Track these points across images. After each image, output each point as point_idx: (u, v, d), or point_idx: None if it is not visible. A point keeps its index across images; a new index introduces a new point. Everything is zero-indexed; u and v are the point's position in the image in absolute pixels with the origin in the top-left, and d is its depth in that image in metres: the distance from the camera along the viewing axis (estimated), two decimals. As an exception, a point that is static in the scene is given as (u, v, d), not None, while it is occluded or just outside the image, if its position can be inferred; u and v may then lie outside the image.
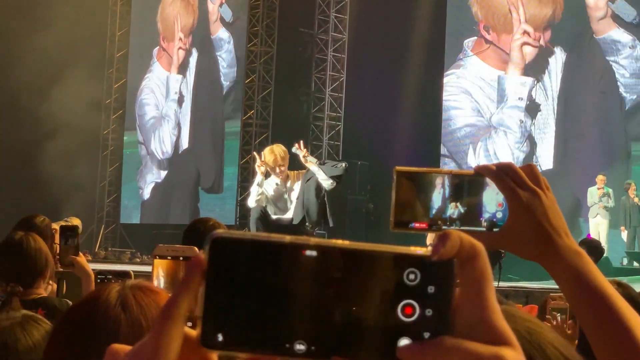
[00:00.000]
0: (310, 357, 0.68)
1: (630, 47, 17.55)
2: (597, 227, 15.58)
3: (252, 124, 19.80)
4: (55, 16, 19.70)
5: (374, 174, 18.40)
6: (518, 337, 1.09)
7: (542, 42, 18.60)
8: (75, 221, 5.58)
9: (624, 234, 15.94)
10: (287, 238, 0.69)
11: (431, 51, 19.85)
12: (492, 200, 1.35)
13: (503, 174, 1.34)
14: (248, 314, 0.69)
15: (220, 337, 0.69)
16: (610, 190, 16.13)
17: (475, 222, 1.35)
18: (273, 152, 9.40)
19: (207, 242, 0.71)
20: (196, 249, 2.63)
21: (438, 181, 1.36)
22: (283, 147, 9.56)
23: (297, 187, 9.38)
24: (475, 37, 19.33)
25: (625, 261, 15.70)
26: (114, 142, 23.55)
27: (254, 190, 9.58)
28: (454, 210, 1.35)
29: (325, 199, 9.41)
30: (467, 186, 1.36)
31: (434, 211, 1.35)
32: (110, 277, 2.56)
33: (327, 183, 9.32)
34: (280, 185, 9.41)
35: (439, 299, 0.69)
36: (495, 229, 1.35)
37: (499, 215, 1.35)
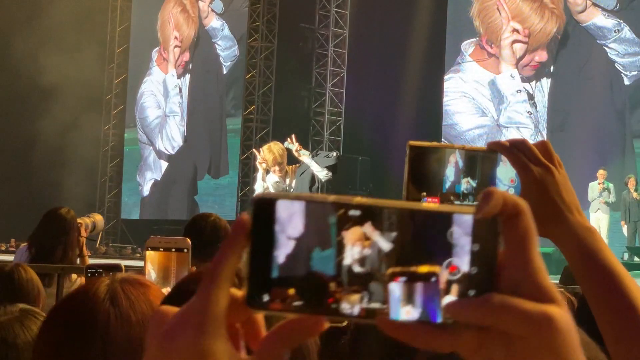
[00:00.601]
0: (355, 317, 0.69)
1: (615, 31, 17.66)
2: (598, 222, 15.57)
3: (252, 119, 19.78)
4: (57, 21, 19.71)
5: (374, 169, 18.39)
6: None
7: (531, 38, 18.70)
8: (97, 217, 5.60)
9: (625, 229, 15.95)
10: (331, 197, 0.69)
11: (431, 46, 19.83)
12: (505, 176, 1.35)
13: (516, 150, 1.33)
14: (293, 274, 0.69)
15: (265, 298, 0.69)
16: (611, 185, 16.12)
17: None
18: (271, 151, 9.42)
19: (251, 204, 0.72)
20: (188, 240, 2.63)
21: (451, 157, 1.35)
22: (281, 145, 9.57)
23: (287, 180, 9.42)
24: (475, 39, 19.35)
25: (626, 256, 15.70)
26: (115, 137, 23.55)
27: (259, 185, 9.59)
28: (467, 185, 1.35)
29: (319, 191, 9.42)
30: (480, 162, 1.35)
31: (446, 186, 1.34)
32: (101, 270, 2.55)
33: (322, 174, 9.32)
34: (280, 182, 9.41)
35: (484, 256, 0.69)
36: None
37: (512, 191, 1.34)
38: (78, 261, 5.04)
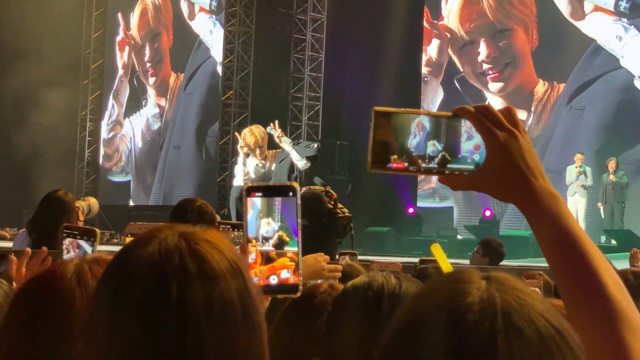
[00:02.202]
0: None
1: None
2: (575, 205, 15.68)
3: (230, 104, 19.72)
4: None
5: (353, 154, 18.40)
6: (508, 307, 1.10)
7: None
8: (92, 200, 5.55)
9: (602, 210, 16.07)
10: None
11: (410, 30, 19.83)
12: (470, 141, 1.35)
13: (481, 115, 1.34)
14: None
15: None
16: (588, 169, 16.24)
17: (452, 163, 1.36)
18: (253, 134, 9.41)
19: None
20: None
21: (416, 121, 1.35)
22: (262, 128, 9.57)
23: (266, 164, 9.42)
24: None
25: (603, 239, 15.81)
26: (92, 123, 23.42)
27: (239, 169, 9.59)
28: (433, 148, 1.35)
29: (297, 180, 9.40)
30: (445, 127, 1.36)
31: (412, 151, 1.35)
32: (77, 232, 2.53)
33: (301, 163, 9.32)
34: (260, 167, 9.41)
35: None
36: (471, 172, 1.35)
37: (477, 157, 1.35)
38: None
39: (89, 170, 23.16)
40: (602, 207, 16.04)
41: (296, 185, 1.82)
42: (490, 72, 18.93)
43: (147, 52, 22.64)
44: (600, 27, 17.66)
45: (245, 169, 9.43)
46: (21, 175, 19.74)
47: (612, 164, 16.15)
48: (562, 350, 1.11)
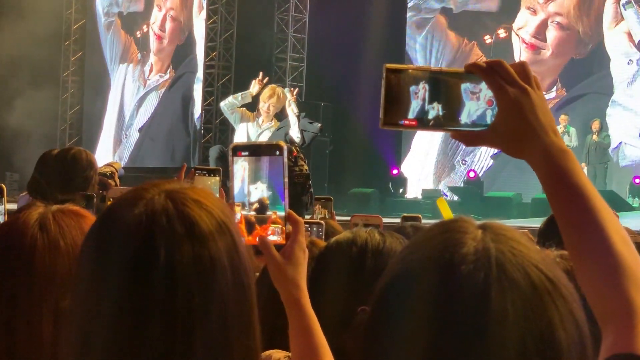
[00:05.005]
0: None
1: None
2: (559, 166, 15.73)
3: (214, 65, 19.62)
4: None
5: (336, 115, 18.37)
6: (502, 257, 1.10)
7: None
8: (116, 165, 5.44)
9: (585, 171, 16.15)
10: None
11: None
12: (483, 97, 1.35)
13: (492, 71, 1.34)
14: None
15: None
16: (572, 129, 16.30)
17: (465, 119, 1.36)
18: (275, 91, 9.35)
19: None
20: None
21: (427, 78, 1.35)
22: (284, 91, 9.53)
23: (267, 133, 9.28)
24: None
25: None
26: (75, 78, 23.24)
27: (236, 96, 9.48)
28: (444, 105, 1.35)
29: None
30: (457, 83, 1.35)
31: (424, 108, 1.34)
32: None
33: (295, 136, 9.22)
34: (255, 126, 9.30)
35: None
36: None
37: (489, 113, 1.35)
38: None
39: (72, 132, 23.02)
40: (585, 168, 16.13)
41: (283, 144, 1.81)
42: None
43: (163, 18, 22.05)
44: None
45: (238, 103, 9.37)
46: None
47: (596, 125, 16.22)
48: (555, 300, 1.12)
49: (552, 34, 18.32)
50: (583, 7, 18.02)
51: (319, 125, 9.95)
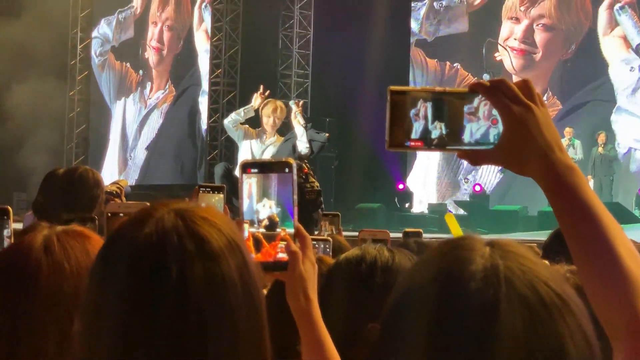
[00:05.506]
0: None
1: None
2: (565, 178, 15.69)
3: (219, 82, 19.66)
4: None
5: (342, 130, 18.38)
6: (511, 274, 1.11)
7: None
8: (123, 183, 5.43)
9: (592, 184, 16.12)
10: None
11: (398, 5, 19.78)
12: (488, 116, 1.36)
13: (496, 90, 1.34)
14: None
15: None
16: (578, 142, 16.29)
17: (470, 138, 1.36)
18: (277, 104, 9.35)
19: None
20: (148, 204, 2.64)
21: (432, 99, 1.35)
22: (284, 104, 9.54)
23: (271, 148, 9.27)
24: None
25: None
26: (81, 97, 23.29)
27: (239, 112, 9.47)
28: (450, 125, 1.35)
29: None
30: (462, 103, 1.36)
31: (429, 129, 1.35)
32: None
33: (304, 146, 9.21)
34: (259, 142, 9.30)
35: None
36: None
37: (494, 131, 1.35)
38: None
39: (78, 151, 23.04)
40: (591, 181, 16.09)
41: (292, 161, 1.81)
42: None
43: (159, 30, 22.20)
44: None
45: (241, 119, 9.36)
46: (7, 156, 19.61)
47: (601, 137, 16.21)
48: (564, 316, 1.13)
49: (539, 36, 18.40)
50: (563, 5, 18.13)
51: (327, 134, 9.95)
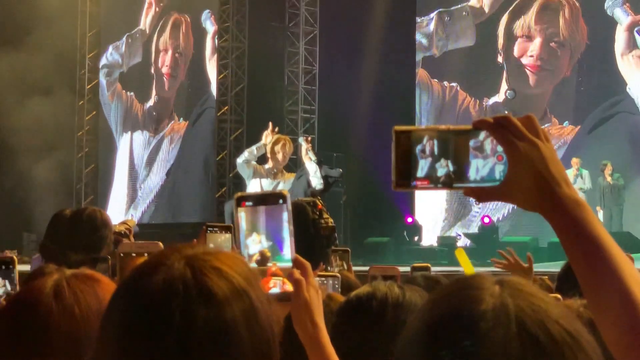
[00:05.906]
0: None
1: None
2: (575, 209, 15.63)
3: (226, 120, 19.72)
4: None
5: (350, 166, 18.40)
6: (521, 313, 1.11)
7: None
8: (131, 223, 5.43)
9: (601, 214, 16.07)
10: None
11: (403, 41, 19.88)
12: (492, 153, 1.36)
13: (501, 127, 1.34)
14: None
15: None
16: (586, 172, 16.27)
17: (476, 176, 1.36)
18: (283, 139, 9.33)
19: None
20: (160, 244, 2.64)
21: (437, 138, 1.36)
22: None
23: (282, 185, 9.26)
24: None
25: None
26: (90, 137, 23.37)
27: (251, 150, 9.44)
28: (455, 163, 1.36)
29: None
30: (466, 141, 1.36)
31: (435, 168, 1.35)
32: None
33: (318, 182, 9.20)
34: (269, 179, 9.30)
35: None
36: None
37: (500, 168, 1.35)
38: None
39: (87, 191, 23.11)
40: (601, 212, 16.05)
41: (286, 192, 1.80)
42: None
43: (171, 57, 22.37)
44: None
45: (254, 157, 9.33)
46: (17, 196, 19.65)
47: (608, 168, 16.18)
48: (576, 354, 1.12)
49: (552, 51, 18.48)
50: (572, 22, 18.22)
51: (340, 170, 9.97)
